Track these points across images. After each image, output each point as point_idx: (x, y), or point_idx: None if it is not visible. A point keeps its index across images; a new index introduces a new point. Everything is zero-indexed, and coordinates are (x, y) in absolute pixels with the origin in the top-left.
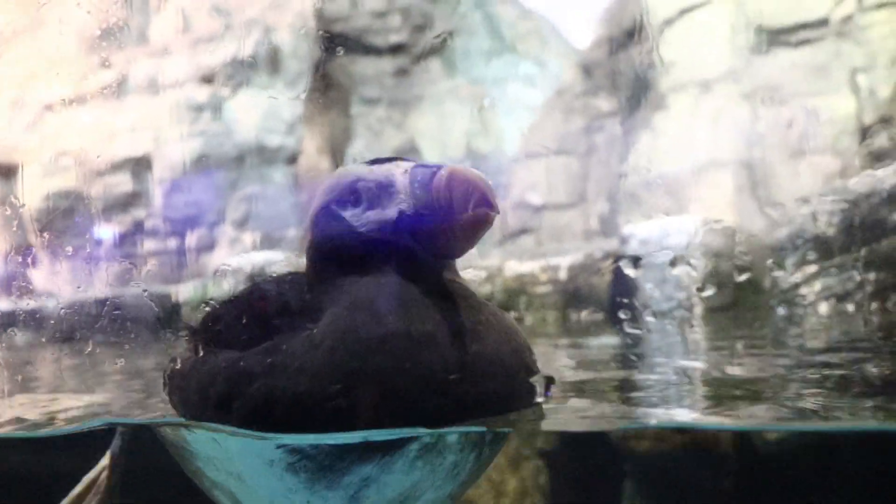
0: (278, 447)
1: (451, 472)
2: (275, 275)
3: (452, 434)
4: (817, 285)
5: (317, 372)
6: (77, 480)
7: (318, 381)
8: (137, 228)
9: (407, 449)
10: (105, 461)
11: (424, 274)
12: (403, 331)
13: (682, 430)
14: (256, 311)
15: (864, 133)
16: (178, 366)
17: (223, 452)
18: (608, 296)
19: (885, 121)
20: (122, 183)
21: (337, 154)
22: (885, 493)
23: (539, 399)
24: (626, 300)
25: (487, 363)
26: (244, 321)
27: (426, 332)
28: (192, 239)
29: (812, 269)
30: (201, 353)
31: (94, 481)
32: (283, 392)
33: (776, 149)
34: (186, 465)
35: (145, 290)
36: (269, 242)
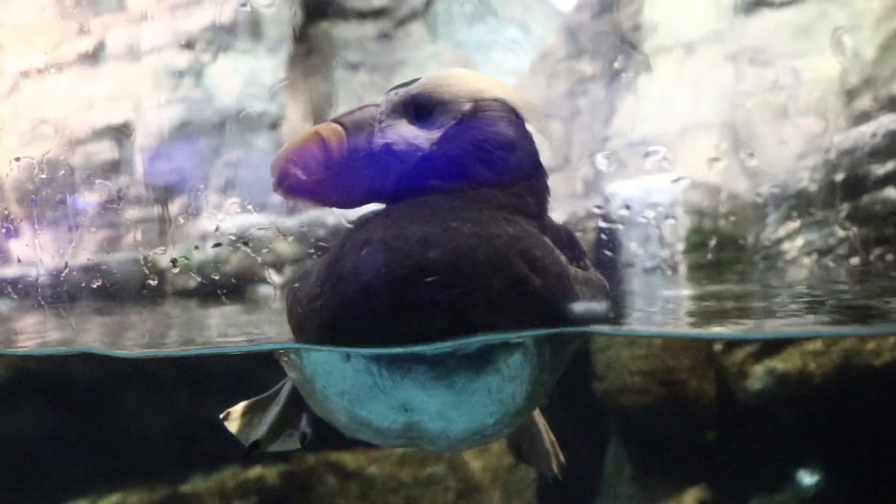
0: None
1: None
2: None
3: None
4: (799, 241)
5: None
6: None
7: (361, 289)
8: (121, 196)
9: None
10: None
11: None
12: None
13: (664, 384)
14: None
15: (849, 94)
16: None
17: (325, 370)
18: (592, 255)
19: (868, 82)
20: (104, 151)
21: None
22: (862, 444)
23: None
24: (610, 258)
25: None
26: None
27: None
28: (175, 206)
29: (794, 225)
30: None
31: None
32: (336, 301)
33: (760, 110)
34: (306, 392)
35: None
36: (253, 208)
